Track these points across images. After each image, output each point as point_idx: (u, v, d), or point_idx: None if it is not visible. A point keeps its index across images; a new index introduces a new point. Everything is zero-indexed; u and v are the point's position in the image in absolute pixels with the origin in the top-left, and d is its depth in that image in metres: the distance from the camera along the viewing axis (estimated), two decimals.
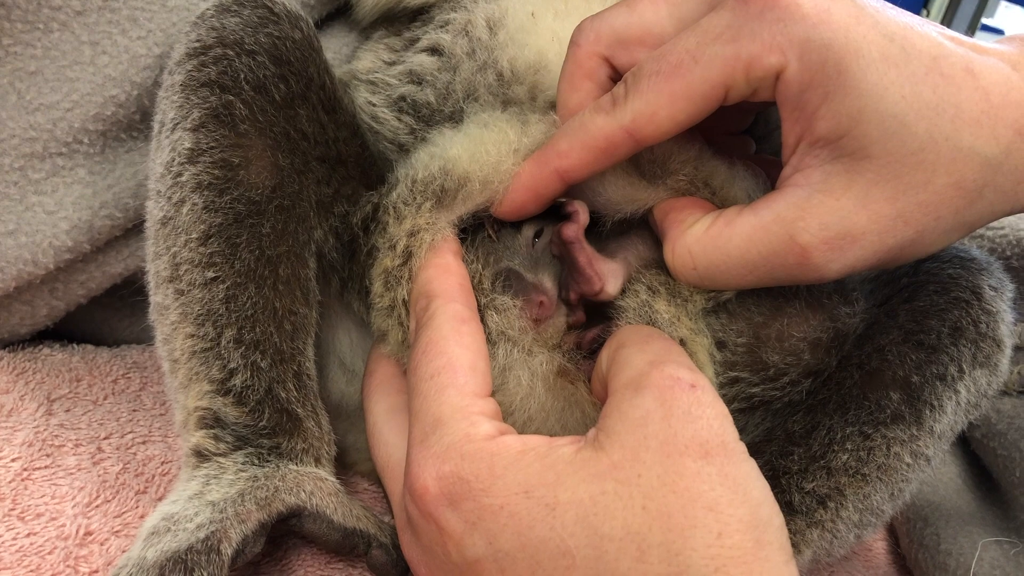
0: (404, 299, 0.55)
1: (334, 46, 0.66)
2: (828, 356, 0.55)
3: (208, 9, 0.55)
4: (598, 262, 0.54)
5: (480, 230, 0.57)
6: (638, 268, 0.54)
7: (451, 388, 0.48)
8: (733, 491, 0.42)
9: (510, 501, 0.43)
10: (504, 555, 0.42)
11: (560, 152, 0.51)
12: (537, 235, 0.55)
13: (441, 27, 0.61)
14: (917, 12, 2.38)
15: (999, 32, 3.14)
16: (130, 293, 0.66)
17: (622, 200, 0.54)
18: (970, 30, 2.65)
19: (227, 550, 0.45)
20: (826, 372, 0.55)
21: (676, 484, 0.41)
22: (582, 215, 0.53)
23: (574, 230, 0.52)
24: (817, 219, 0.47)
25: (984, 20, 2.82)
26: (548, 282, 0.54)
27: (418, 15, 0.63)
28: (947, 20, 2.64)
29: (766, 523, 0.42)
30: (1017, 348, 0.67)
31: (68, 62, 0.58)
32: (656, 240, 0.54)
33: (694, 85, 0.47)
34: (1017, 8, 2.96)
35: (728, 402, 0.53)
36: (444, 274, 0.53)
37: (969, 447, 0.67)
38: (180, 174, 0.51)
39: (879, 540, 0.66)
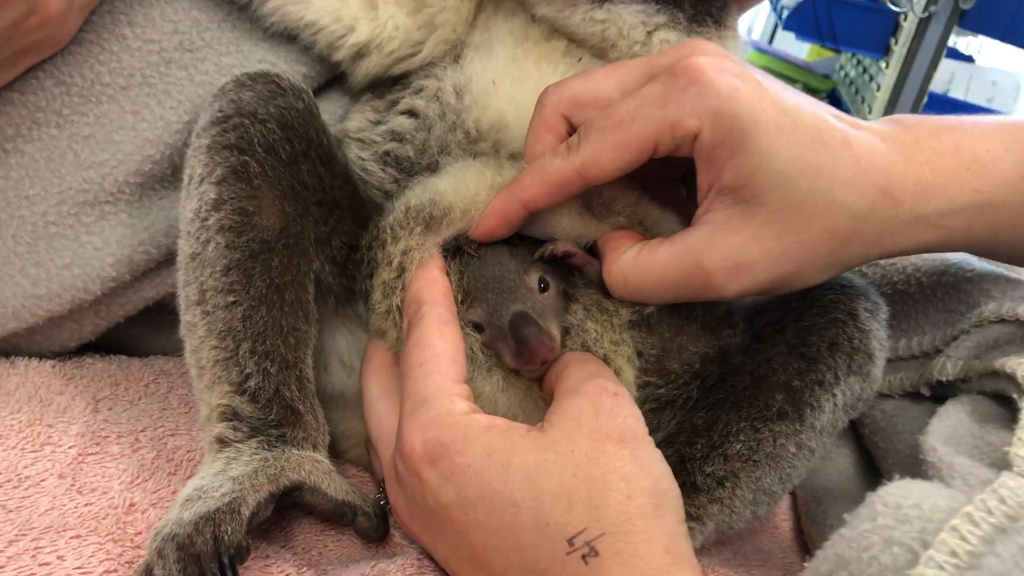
0: (399, 305, 0.65)
1: (330, 108, 0.73)
2: (713, 365, 0.65)
3: (228, 83, 0.64)
4: (591, 265, 0.65)
5: (460, 250, 0.66)
6: (579, 289, 0.65)
7: (436, 374, 0.58)
8: (640, 468, 0.53)
9: (476, 461, 0.54)
10: (468, 502, 0.53)
11: (525, 187, 0.61)
12: (542, 285, 0.64)
13: (416, 93, 0.70)
14: (885, 40, 2.42)
15: (968, 58, 3.19)
16: (159, 313, 0.74)
17: (577, 233, 0.65)
18: (936, 55, 2.69)
19: (245, 512, 0.55)
20: (713, 377, 0.65)
21: (599, 459, 0.53)
22: (568, 244, 0.64)
23: (569, 245, 0.64)
24: (719, 251, 0.57)
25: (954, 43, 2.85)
26: (556, 330, 0.62)
27: (398, 81, 0.72)
28: (914, 46, 2.66)
29: (664, 492, 0.54)
30: (898, 359, 0.78)
31: (114, 128, 0.67)
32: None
33: (631, 139, 0.58)
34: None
35: (643, 401, 0.65)
36: (431, 285, 0.63)
37: (861, 441, 0.78)
38: (206, 219, 0.61)
39: (785, 520, 0.76)
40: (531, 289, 0.63)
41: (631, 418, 0.56)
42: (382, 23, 0.68)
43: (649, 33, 0.69)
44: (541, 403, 0.62)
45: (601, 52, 0.71)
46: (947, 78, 2.83)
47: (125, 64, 0.67)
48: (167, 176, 0.70)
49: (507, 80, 0.69)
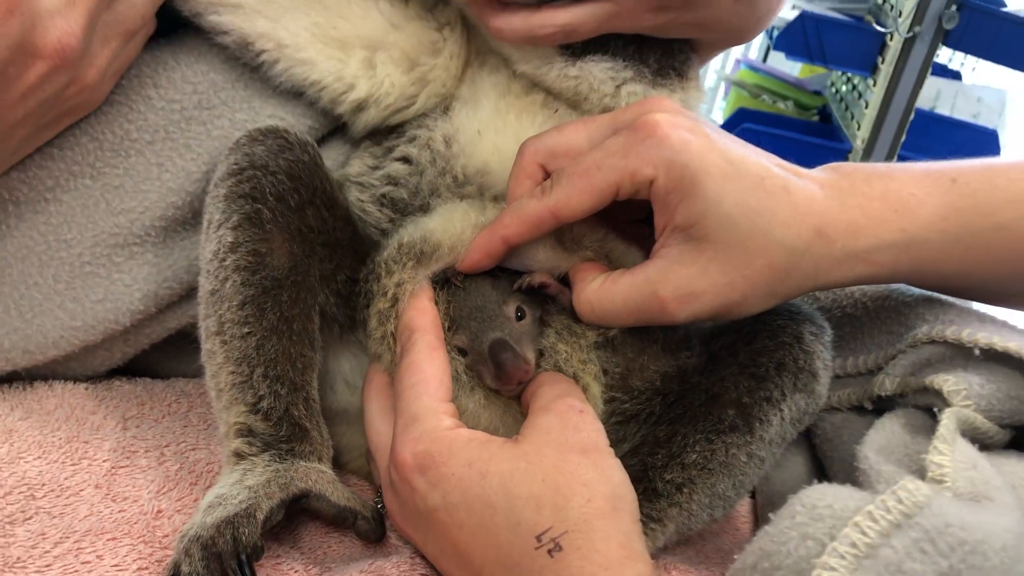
0: (393, 331, 0.71)
1: (333, 155, 0.79)
2: (672, 383, 0.72)
3: (242, 138, 0.70)
4: (563, 293, 0.72)
5: (448, 282, 0.72)
6: (552, 314, 0.72)
7: (425, 395, 0.65)
8: (600, 475, 0.61)
9: (458, 470, 0.61)
10: (452, 505, 0.61)
11: (505, 224, 0.68)
12: (519, 314, 0.70)
13: (410, 141, 0.77)
14: (872, 59, 2.49)
15: (956, 74, 3.25)
16: (180, 340, 0.79)
17: (551, 265, 0.72)
18: (921, 73, 2.74)
19: (260, 516, 0.61)
20: (673, 394, 0.71)
21: (564, 468, 0.60)
22: (544, 276, 0.71)
23: (545, 277, 0.71)
24: (673, 282, 0.65)
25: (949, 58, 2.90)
26: (531, 355, 0.69)
27: (394, 130, 0.78)
28: (900, 64, 2.72)
29: (621, 497, 0.61)
30: (846, 375, 0.85)
31: (141, 178, 0.72)
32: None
33: (596, 184, 0.65)
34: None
35: (609, 415, 0.71)
36: (422, 314, 0.70)
37: (814, 450, 0.85)
38: (224, 259, 0.67)
39: (745, 522, 0.81)
40: (509, 318, 0.69)
41: (594, 432, 0.64)
42: (379, 80, 0.75)
43: (617, 87, 0.76)
44: (519, 416, 0.69)
45: (575, 103, 0.78)
46: (933, 95, 2.89)
47: (151, 122, 0.73)
48: (188, 220, 0.75)
49: (491, 130, 0.76)
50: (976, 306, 0.83)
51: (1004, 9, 2.67)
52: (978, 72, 3.40)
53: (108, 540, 0.63)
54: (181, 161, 0.74)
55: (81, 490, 0.67)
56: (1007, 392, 0.68)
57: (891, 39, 2.72)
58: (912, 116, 2.77)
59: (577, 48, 0.75)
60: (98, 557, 0.61)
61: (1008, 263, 0.68)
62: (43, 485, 0.66)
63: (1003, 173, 0.69)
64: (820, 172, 0.69)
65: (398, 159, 0.78)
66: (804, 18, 2.78)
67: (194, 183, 0.74)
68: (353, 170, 0.79)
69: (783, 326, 0.72)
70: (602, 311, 0.69)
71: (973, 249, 0.67)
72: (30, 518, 0.63)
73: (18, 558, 0.60)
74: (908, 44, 2.68)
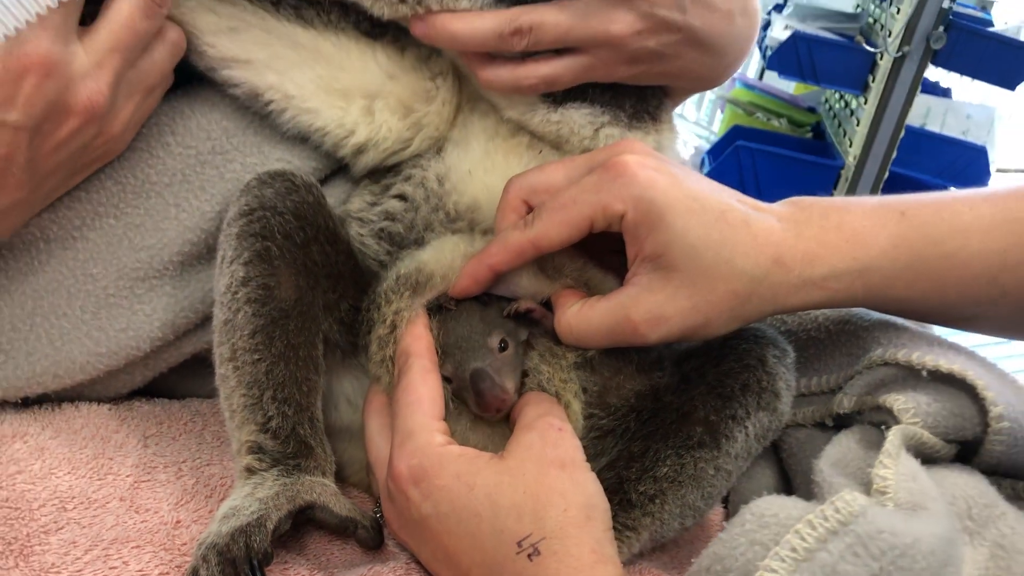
0: (391, 356, 0.76)
1: (335, 193, 0.84)
2: (646, 401, 0.77)
3: (252, 181, 0.76)
4: (547, 318, 0.78)
5: (442, 308, 0.79)
6: (536, 337, 0.78)
7: (419, 413, 0.70)
8: (575, 487, 0.67)
9: (448, 482, 0.66)
10: (442, 514, 0.66)
11: (491, 254, 0.75)
12: (502, 345, 0.75)
13: (406, 180, 0.83)
14: (863, 78, 2.55)
15: (947, 91, 3.31)
16: (194, 364, 0.84)
17: (534, 291, 0.79)
18: (911, 92, 2.80)
19: (269, 526, 0.66)
20: (646, 412, 0.77)
21: (543, 481, 0.66)
22: (529, 302, 0.78)
23: (530, 303, 0.77)
24: (643, 306, 0.70)
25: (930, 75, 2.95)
26: (510, 384, 0.74)
27: (391, 169, 0.84)
28: (890, 83, 2.78)
29: (595, 507, 0.67)
30: (810, 394, 0.92)
31: (160, 218, 0.78)
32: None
33: (572, 217, 0.72)
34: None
35: (588, 430, 0.77)
36: (417, 340, 0.75)
37: (782, 464, 0.91)
38: (236, 292, 0.72)
39: (719, 530, 0.86)
40: (492, 349, 0.75)
41: (571, 448, 0.70)
42: (377, 126, 0.81)
43: (596, 130, 0.83)
44: (506, 432, 0.74)
45: (558, 144, 0.84)
46: (923, 112, 2.95)
47: (169, 166, 0.79)
48: (203, 255, 0.80)
49: (481, 170, 0.82)
50: (937, 330, 0.89)
51: (990, 29, 2.72)
52: (970, 89, 3.45)
53: (132, 548, 0.69)
54: (196, 202, 0.80)
55: (107, 502, 0.73)
56: (951, 410, 0.74)
57: (881, 59, 2.78)
58: (903, 133, 2.82)
59: (558, 96, 0.82)
60: (124, 563, 0.68)
61: (954, 288, 0.74)
62: (73, 498, 0.73)
63: (949, 206, 0.75)
64: (780, 206, 0.76)
65: (395, 196, 0.83)
66: (796, 38, 2.83)
67: (208, 221, 0.79)
68: (354, 206, 0.85)
69: (748, 350, 0.78)
70: (580, 333, 0.75)
71: (922, 276, 0.73)
72: (62, 528, 0.70)
73: (52, 564, 0.66)
74: (898, 63, 2.74)
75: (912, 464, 0.68)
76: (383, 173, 0.85)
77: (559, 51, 0.77)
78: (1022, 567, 0.67)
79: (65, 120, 0.69)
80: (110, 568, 0.67)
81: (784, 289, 0.71)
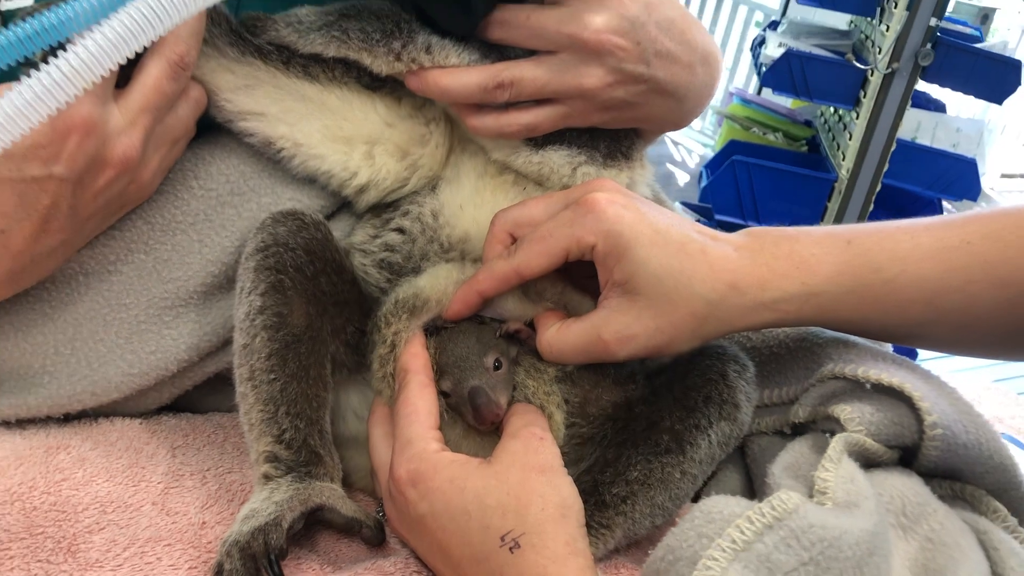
0: (391, 372, 0.84)
1: (340, 226, 0.92)
2: (621, 412, 0.84)
3: (267, 219, 0.83)
4: (531, 337, 0.86)
5: (437, 329, 0.87)
6: (522, 355, 0.87)
7: (416, 423, 0.77)
8: (554, 489, 0.75)
9: (442, 485, 0.73)
10: (437, 513, 0.72)
11: (479, 281, 0.83)
12: (496, 364, 0.81)
13: (404, 214, 0.90)
14: (854, 94, 2.65)
15: (941, 105, 3.38)
16: (216, 382, 0.91)
17: (519, 313, 0.87)
18: (901, 106, 2.87)
19: (284, 525, 0.72)
20: (621, 421, 0.85)
21: (525, 484, 0.74)
22: (518, 324, 0.86)
23: (519, 325, 0.85)
24: (613, 327, 0.77)
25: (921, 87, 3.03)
26: (504, 399, 0.81)
27: (391, 205, 0.91)
28: (881, 98, 2.86)
29: (569, 507, 0.74)
30: (772, 404, 1.00)
31: (185, 253, 0.85)
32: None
33: (550, 248, 0.79)
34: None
35: (570, 438, 0.85)
36: (414, 358, 0.82)
37: (748, 468, 1.00)
38: (254, 320, 0.80)
39: None
40: (487, 368, 0.83)
41: (551, 455, 0.79)
42: (377, 169, 0.90)
43: (574, 169, 0.92)
44: (495, 439, 0.80)
45: (540, 182, 0.93)
46: (914, 126, 3.03)
47: (192, 207, 0.86)
48: (224, 285, 0.87)
49: (471, 205, 0.90)
50: (888, 346, 0.98)
51: (977, 45, 2.80)
52: (964, 102, 3.51)
53: (165, 546, 0.77)
54: (217, 238, 0.87)
55: (141, 506, 0.80)
56: (891, 419, 0.81)
57: (872, 75, 2.86)
58: (894, 146, 2.90)
59: (539, 139, 0.90)
60: (158, 559, 0.76)
61: (895, 311, 0.82)
62: (112, 502, 0.81)
63: (891, 236, 0.82)
64: (737, 236, 0.84)
65: (394, 230, 0.91)
66: (789, 56, 2.91)
67: (229, 256, 0.87)
68: (357, 239, 0.92)
69: (711, 365, 0.85)
70: (558, 351, 0.83)
71: (865, 299, 0.81)
72: (103, 528, 0.78)
73: (96, 560, 0.75)
74: (888, 79, 2.82)
75: (851, 467, 0.76)
76: (383, 209, 0.93)
77: (539, 101, 0.87)
78: (946, 558, 0.75)
79: (103, 172, 0.78)
80: (146, 563, 0.76)
81: (739, 311, 0.78)
